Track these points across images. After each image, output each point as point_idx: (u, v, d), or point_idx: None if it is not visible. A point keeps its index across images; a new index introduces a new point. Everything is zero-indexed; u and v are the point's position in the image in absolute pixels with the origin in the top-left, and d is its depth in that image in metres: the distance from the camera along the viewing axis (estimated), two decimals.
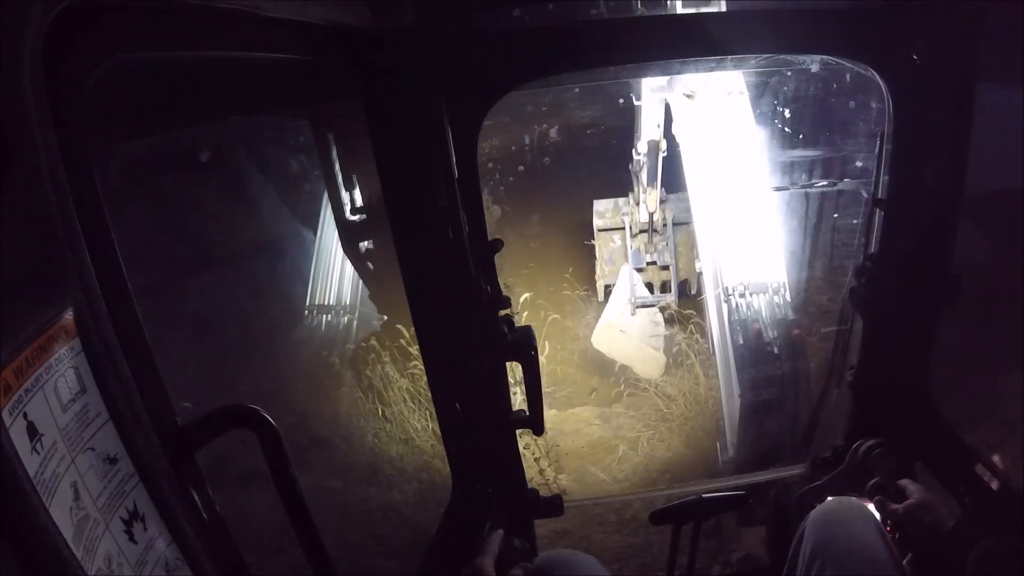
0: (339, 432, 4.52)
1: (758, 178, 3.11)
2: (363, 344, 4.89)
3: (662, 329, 4.36)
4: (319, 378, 4.87)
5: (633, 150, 4.16)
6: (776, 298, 2.95)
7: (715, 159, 3.11)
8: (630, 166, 4.40)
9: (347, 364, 4.89)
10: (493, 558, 1.33)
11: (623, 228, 4.82)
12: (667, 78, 3.41)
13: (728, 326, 3.01)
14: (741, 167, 3.06)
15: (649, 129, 3.88)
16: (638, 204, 4.48)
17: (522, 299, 5.07)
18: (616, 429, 4.76)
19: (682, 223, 4.56)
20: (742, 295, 2.94)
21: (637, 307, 4.43)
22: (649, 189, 4.30)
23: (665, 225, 4.59)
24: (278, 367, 4.93)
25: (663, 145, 3.94)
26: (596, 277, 4.94)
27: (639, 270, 4.59)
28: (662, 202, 4.43)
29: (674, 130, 3.46)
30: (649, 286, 4.59)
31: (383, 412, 4.55)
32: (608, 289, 4.80)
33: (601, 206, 5.06)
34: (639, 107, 3.94)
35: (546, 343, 5.14)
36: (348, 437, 4.49)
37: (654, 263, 4.67)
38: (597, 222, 4.97)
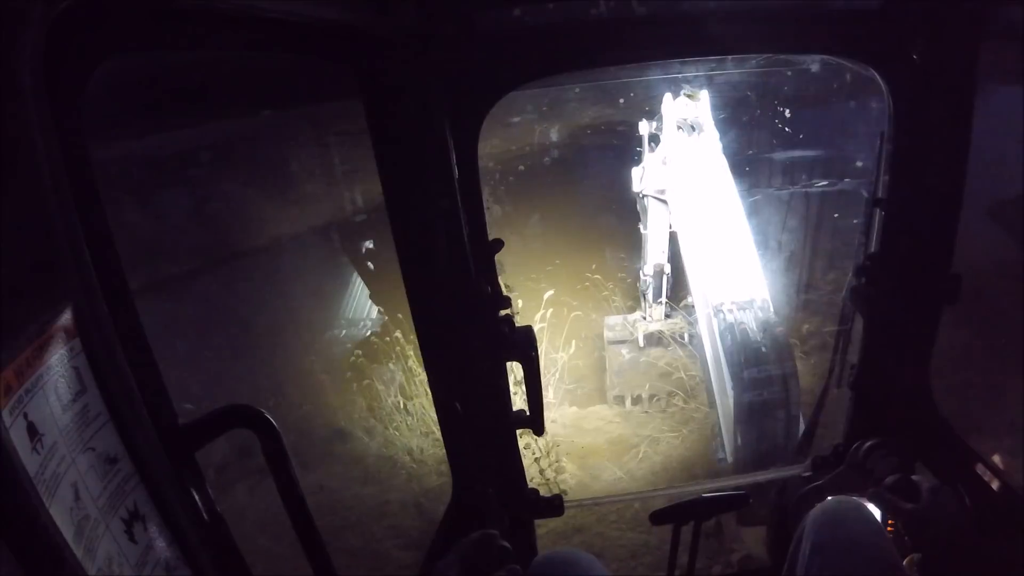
0: (361, 424, 4.56)
1: (738, 219, 3.66)
2: (387, 338, 4.90)
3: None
4: (342, 371, 4.88)
5: (640, 272, 4.85)
6: (760, 312, 3.26)
7: (700, 223, 3.72)
8: (638, 284, 5.01)
9: (370, 357, 4.91)
10: (463, 561, 1.26)
11: (631, 341, 5.29)
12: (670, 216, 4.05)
13: (719, 335, 3.25)
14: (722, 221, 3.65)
15: (655, 255, 4.56)
16: (645, 318, 5.14)
17: (545, 297, 5.16)
18: (636, 427, 4.80)
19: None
20: (730, 310, 3.27)
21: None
22: (655, 304, 5.04)
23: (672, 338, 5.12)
24: (301, 360, 4.97)
25: (667, 268, 4.61)
26: (607, 388, 5.42)
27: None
28: (667, 316, 5.03)
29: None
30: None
31: (404, 405, 4.57)
32: (616, 399, 5.33)
33: (611, 321, 5.58)
34: (646, 236, 4.58)
35: (572, 342, 5.18)
36: (370, 429, 4.53)
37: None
38: (608, 334, 5.45)
